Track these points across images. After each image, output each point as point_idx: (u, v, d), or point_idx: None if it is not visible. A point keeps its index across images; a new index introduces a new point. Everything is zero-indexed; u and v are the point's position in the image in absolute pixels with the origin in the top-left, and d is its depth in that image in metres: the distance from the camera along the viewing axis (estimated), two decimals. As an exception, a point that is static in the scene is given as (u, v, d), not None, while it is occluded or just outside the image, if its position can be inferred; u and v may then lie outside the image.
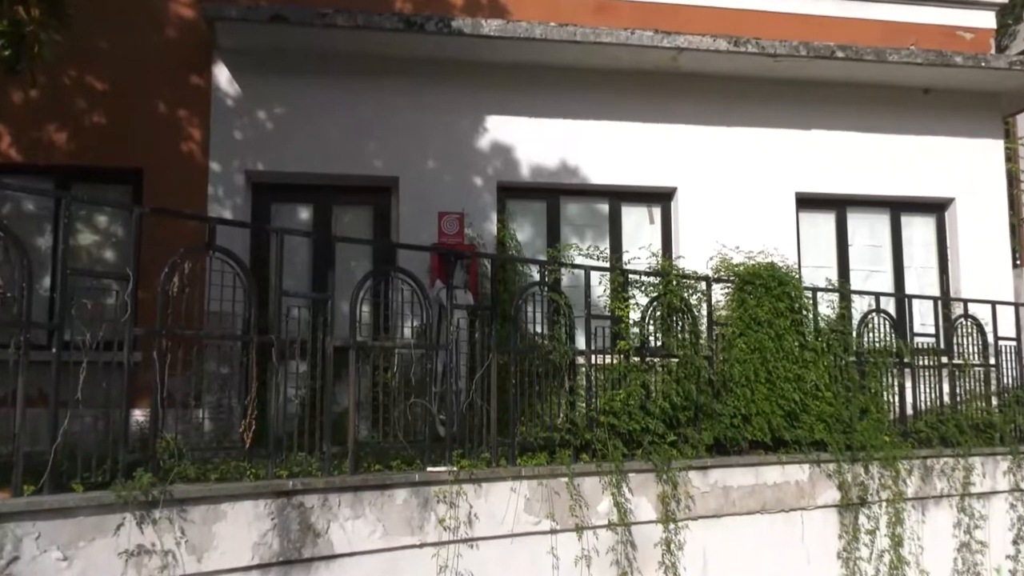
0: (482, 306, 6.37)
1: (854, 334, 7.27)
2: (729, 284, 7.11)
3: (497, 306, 6.02)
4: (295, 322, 5.21)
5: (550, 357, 6.06)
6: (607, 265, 7.03)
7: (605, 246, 8.17)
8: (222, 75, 7.81)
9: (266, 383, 5.14)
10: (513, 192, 8.30)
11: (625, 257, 7.38)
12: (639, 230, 8.57)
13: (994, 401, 7.79)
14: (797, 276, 7.38)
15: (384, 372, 5.68)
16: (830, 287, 7.66)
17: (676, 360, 6.51)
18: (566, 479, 5.70)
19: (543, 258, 7.85)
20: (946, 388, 7.64)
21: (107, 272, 5.36)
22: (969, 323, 7.89)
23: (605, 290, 6.82)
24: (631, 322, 6.51)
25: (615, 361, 6.36)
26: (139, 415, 5.04)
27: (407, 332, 5.87)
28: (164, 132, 7.71)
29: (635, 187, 8.49)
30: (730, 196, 8.57)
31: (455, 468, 5.42)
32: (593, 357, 6.27)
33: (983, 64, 8.59)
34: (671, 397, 6.26)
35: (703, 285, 6.91)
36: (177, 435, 4.72)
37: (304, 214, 8.09)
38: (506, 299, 6.91)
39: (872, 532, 6.72)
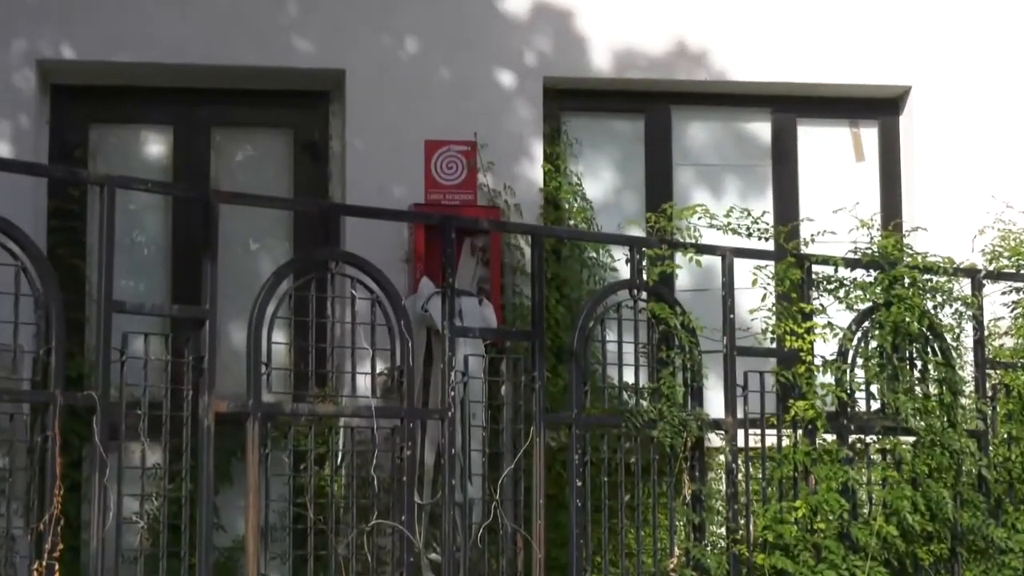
0: (514, 330, 6.35)
1: None
2: (1019, 284, 7.15)
3: (543, 330, 6.03)
4: (139, 365, 5.22)
5: (652, 433, 6.08)
6: (770, 248, 7.04)
7: (766, 208, 8.12)
8: None
9: (80, 487, 5.13)
10: (576, 100, 8.36)
11: (805, 231, 7.32)
12: (833, 174, 8.61)
13: None
14: None
15: (319, 465, 5.67)
16: None
17: (911, 440, 6.52)
18: None
19: (638, 234, 7.83)
20: None
21: None
22: None
23: (765, 296, 6.80)
24: (819, 362, 6.54)
25: (786, 442, 6.39)
26: None
27: (362, 384, 5.88)
28: None
29: (825, 87, 8.53)
30: (1015, 107, 8.54)
31: (461, 660, 5.43)
32: (741, 433, 6.29)
33: None
34: (902, 514, 6.27)
35: (965, 286, 6.93)
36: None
37: (155, 147, 8.19)
38: (562, 315, 6.94)
39: None
